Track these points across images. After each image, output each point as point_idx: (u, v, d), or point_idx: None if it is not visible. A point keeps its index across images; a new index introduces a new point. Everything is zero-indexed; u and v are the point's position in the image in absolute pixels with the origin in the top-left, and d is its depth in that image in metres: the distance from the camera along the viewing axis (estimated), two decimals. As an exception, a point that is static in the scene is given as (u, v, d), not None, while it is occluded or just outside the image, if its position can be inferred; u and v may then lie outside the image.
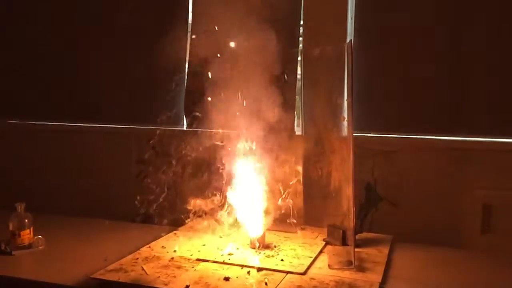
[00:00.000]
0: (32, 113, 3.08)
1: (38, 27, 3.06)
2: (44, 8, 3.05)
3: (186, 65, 2.75)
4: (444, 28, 2.34)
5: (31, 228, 2.06)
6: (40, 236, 2.06)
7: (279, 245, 2.03)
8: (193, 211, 2.20)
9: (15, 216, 2.05)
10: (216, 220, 2.13)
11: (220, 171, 2.13)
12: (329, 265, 1.82)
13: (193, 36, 2.70)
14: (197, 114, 2.40)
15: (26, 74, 3.11)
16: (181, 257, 1.89)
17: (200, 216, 2.29)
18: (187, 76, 2.74)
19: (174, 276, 1.69)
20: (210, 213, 2.15)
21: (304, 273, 1.75)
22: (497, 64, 2.26)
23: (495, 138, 2.27)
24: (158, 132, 2.53)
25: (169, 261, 1.84)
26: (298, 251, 1.97)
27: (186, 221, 2.14)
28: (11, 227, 2.04)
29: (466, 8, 2.30)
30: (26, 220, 2.06)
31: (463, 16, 2.31)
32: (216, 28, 2.17)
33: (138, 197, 2.18)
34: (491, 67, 2.27)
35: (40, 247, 2.05)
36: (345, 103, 1.93)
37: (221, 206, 2.12)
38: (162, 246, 2.01)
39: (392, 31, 2.42)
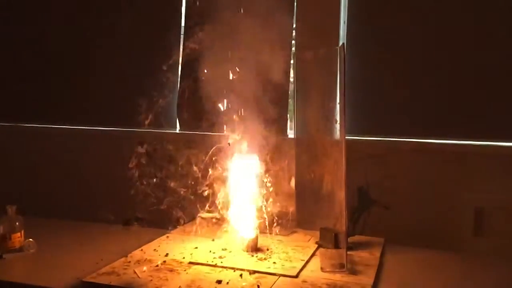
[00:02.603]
0: (23, 115, 3.07)
1: (32, 29, 3.05)
2: (39, 9, 3.04)
3: (180, 68, 2.75)
4: (437, 31, 2.35)
5: (22, 231, 2.05)
6: (31, 239, 2.05)
7: (271, 248, 2.03)
8: (186, 214, 2.21)
9: (6, 219, 2.03)
10: (209, 223, 2.13)
11: (212, 174, 2.12)
12: (321, 268, 1.83)
13: (187, 39, 2.71)
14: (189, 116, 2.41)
15: (19, 77, 3.10)
16: (173, 260, 1.88)
17: (193, 219, 2.29)
18: (180, 78, 2.74)
19: (166, 279, 1.69)
20: (203, 216, 2.15)
21: (296, 276, 1.75)
22: (491, 68, 2.28)
23: (487, 141, 2.29)
24: (150, 134, 2.53)
25: (161, 264, 1.83)
26: (291, 254, 1.97)
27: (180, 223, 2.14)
28: (1, 230, 2.02)
29: (462, 11, 2.32)
30: (17, 223, 2.04)
31: (458, 20, 2.32)
32: (210, 32, 2.18)
33: (129, 200, 2.18)
34: (484, 70, 2.29)
35: (31, 251, 2.03)
36: (338, 106, 1.94)
37: (214, 208, 2.11)
38: (154, 249, 2.00)
39: (385, 34, 2.43)
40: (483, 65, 2.29)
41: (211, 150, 2.13)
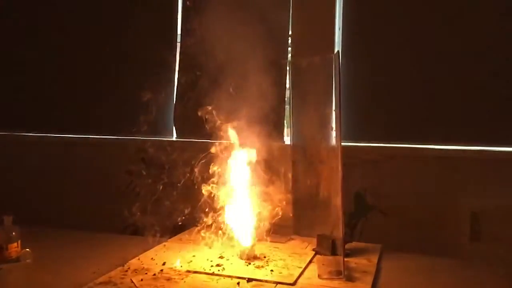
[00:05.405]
0: (19, 124, 3.07)
1: (26, 40, 3.06)
2: (32, 19, 3.05)
3: (176, 75, 2.76)
4: (430, 39, 2.37)
5: (19, 241, 2.04)
6: (27, 249, 2.04)
7: (268, 256, 2.02)
8: (184, 222, 2.20)
9: (2, 229, 2.02)
10: (206, 231, 2.12)
11: (210, 181, 2.12)
12: (318, 275, 1.82)
13: (183, 49, 2.72)
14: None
15: (14, 86, 3.10)
16: (170, 268, 1.87)
17: (190, 228, 2.29)
18: (177, 86, 2.75)
19: (164, 288, 1.68)
20: (200, 224, 2.15)
21: (293, 284, 1.74)
22: (485, 74, 2.30)
23: (483, 147, 2.30)
24: (147, 142, 2.53)
25: (159, 273, 1.83)
26: (288, 261, 1.97)
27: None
28: (-2, 241, 2.01)
29: (454, 18, 2.34)
30: (14, 233, 2.03)
31: (451, 27, 2.34)
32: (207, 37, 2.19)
33: (127, 209, 2.17)
34: (479, 77, 2.30)
35: (28, 261, 2.02)
36: (333, 113, 1.95)
37: (211, 216, 2.11)
38: (151, 258, 1.99)
39: (379, 42, 2.45)
40: (479, 72, 2.30)
41: (204, 157, 2.14)
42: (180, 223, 2.15)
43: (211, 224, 2.08)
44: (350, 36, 2.49)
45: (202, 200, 2.10)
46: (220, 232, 2.09)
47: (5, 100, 3.10)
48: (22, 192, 2.95)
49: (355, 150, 2.41)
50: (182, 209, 2.15)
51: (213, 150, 2.14)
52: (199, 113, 2.17)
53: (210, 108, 2.14)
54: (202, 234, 2.09)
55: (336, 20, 2.49)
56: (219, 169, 2.13)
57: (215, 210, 2.08)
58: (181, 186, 2.22)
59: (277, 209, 2.12)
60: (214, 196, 2.09)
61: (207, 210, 2.09)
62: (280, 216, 2.13)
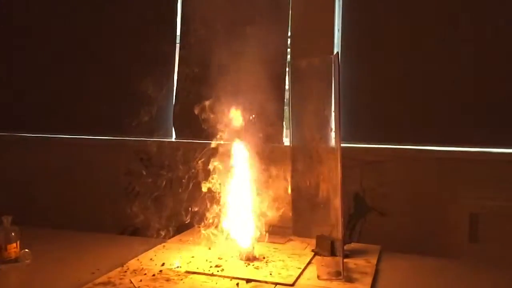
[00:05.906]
0: (18, 124, 3.06)
1: (27, 40, 3.06)
2: (33, 19, 3.05)
3: (175, 76, 2.76)
4: (430, 40, 2.37)
5: (18, 242, 2.04)
6: (27, 250, 2.04)
7: (268, 257, 2.03)
8: (184, 222, 2.21)
9: (2, 230, 2.02)
10: (206, 232, 2.13)
11: (209, 182, 2.12)
12: (318, 276, 1.83)
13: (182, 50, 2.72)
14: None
15: (14, 86, 3.10)
16: (169, 269, 1.87)
17: (189, 228, 2.29)
18: (176, 87, 2.74)
19: (163, 289, 1.68)
20: (199, 225, 2.15)
21: (292, 284, 1.74)
22: (485, 76, 2.30)
23: (482, 148, 2.30)
24: (146, 143, 2.53)
25: (158, 273, 1.83)
26: (287, 262, 1.97)
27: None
28: (-3, 241, 2.01)
29: (453, 19, 2.34)
30: (13, 234, 2.03)
31: (450, 28, 2.34)
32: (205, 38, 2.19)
33: (126, 209, 2.18)
34: (479, 78, 2.30)
35: (27, 261, 2.02)
36: (333, 114, 1.95)
37: (210, 217, 2.12)
38: (151, 259, 1.99)
39: (378, 43, 2.45)
40: (478, 73, 2.30)
41: (202, 157, 2.14)
42: (186, 222, 2.15)
43: (211, 225, 2.09)
44: (349, 37, 2.49)
45: (202, 201, 2.10)
46: (219, 232, 2.10)
47: (5, 100, 3.09)
48: (21, 192, 2.94)
49: (354, 151, 2.41)
50: (181, 210, 2.15)
51: (211, 150, 2.15)
52: (199, 114, 2.17)
53: (209, 109, 2.14)
54: (202, 232, 2.09)
55: (335, 21, 2.49)
56: (218, 170, 2.13)
57: (214, 211, 2.08)
58: (180, 186, 2.22)
59: (276, 208, 2.12)
60: (213, 196, 2.09)
61: (206, 210, 2.09)
62: (279, 217, 2.13)
